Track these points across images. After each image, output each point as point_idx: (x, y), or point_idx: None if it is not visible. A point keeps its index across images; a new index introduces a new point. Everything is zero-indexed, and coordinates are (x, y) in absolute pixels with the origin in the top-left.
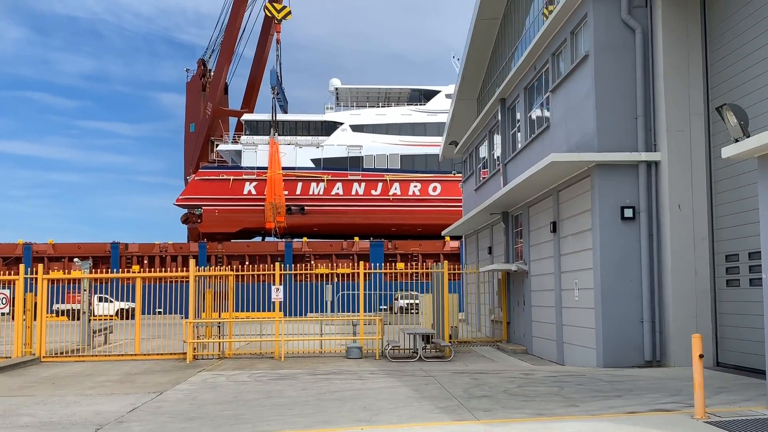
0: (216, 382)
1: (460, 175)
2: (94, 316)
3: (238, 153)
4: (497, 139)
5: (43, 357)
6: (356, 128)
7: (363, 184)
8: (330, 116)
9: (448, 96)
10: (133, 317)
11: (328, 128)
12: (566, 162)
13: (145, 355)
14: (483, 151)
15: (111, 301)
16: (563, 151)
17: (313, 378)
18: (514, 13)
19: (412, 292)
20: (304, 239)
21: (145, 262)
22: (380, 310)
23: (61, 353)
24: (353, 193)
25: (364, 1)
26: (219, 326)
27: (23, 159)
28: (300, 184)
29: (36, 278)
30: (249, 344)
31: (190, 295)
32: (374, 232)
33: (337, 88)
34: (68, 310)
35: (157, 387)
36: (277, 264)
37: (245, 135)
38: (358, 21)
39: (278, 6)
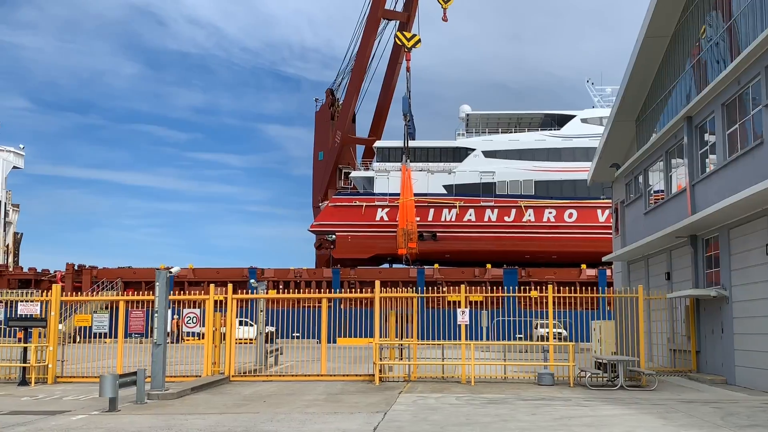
0: (429, 404)
1: (609, 200)
2: (238, 339)
3: (370, 180)
4: (674, 160)
5: (232, 376)
6: (488, 154)
7: (496, 211)
8: (461, 142)
9: (584, 120)
10: (271, 341)
11: (459, 154)
12: None
13: (330, 376)
14: (654, 174)
15: (252, 325)
16: None
17: (527, 403)
18: (688, 28)
19: (554, 321)
20: (436, 266)
21: (281, 286)
22: (517, 338)
23: (244, 373)
24: (486, 219)
25: (465, 30)
26: (400, 349)
27: (136, 189)
28: (432, 211)
29: (225, 298)
30: (424, 368)
31: (375, 316)
32: (507, 260)
33: (468, 114)
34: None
35: (372, 407)
36: (462, 287)
37: (376, 162)
38: (458, 51)
39: (408, 35)
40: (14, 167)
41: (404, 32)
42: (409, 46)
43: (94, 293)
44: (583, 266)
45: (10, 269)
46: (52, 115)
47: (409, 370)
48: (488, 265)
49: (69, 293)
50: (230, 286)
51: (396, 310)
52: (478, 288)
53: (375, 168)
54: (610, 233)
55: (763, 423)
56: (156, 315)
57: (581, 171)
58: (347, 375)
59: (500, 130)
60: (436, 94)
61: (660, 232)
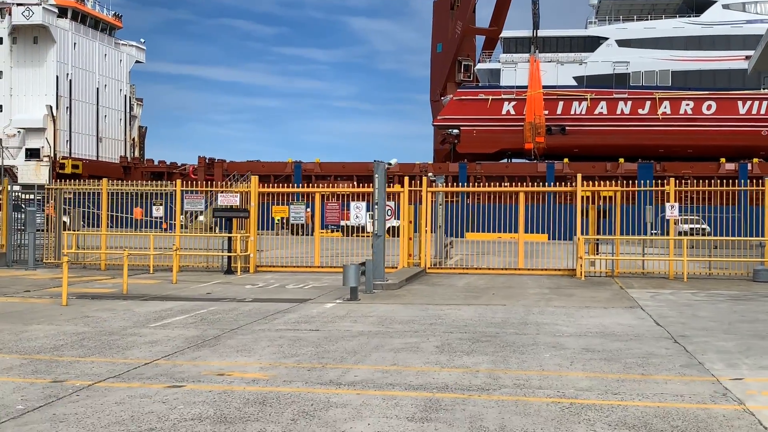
0: (673, 300)
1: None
2: (367, 232)
3: (495, 72)
4: None
5: (428, 268)
6: (622, 43)
7: (629, 103)
8: (593, 30)
9: (725, 6)
10: (396, 235)
11: (591, 44)
12: None
13: (528, 270)
14: None
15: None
16: None
17: None
18: None
19: (694, 216)
20: (565, 160)
21: (405, 180)
22: (652, 233)
23: (434, 265)
24: (618, 112)
25: None
26: (597, 244)
27: (226, 85)
28: (561, 104)
29: (420, 191)
30: (622, 263)
31: (576, 211)
32: (640, 154)
33: (599, 1)
34: (344, 227)
35: (614, 302)
36: (672, 180)
37: (502, 53)
38: None
39: None
40: (137, 62)
41: None
42: None
43: (230, 185)
44: (722, 160)
45: (143, 162)
46: (143, 10)
47: (613, 265)
48: (621, 160)
49: (201, 185)
50: (425, 179)
51: (596, 205)
52: (611, 182)
53: (501, 60)
54: (751, 126)
55: None
56: (376, 206)
57: (722, 60)
58: (545, 269)
59: (634, 18)
60: None
61: None
